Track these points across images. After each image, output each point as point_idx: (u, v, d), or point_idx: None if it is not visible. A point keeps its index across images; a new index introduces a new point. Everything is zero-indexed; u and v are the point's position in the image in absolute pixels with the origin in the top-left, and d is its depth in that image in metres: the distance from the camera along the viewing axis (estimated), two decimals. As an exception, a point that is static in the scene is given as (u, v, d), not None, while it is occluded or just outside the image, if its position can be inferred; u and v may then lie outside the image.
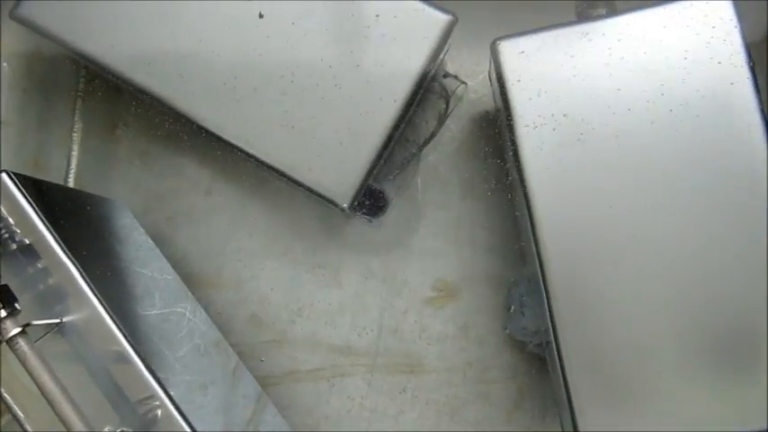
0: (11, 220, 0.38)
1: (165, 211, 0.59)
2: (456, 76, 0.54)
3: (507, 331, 0.55)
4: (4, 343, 0.34)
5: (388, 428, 0.56)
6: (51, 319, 0.37)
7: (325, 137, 0.49)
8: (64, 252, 0.38)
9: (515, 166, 0.44)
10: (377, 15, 0.48)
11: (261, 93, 0.49)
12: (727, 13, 0.43)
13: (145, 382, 0.37)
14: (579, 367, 0.42)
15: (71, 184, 0.59)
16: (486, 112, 0.58)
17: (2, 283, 0.35)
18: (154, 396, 0.37)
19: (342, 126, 0.49)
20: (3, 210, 0.38)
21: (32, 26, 0.50)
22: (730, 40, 0.43)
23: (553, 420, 0.55)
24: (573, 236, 0.43)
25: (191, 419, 0.38)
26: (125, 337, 0.37)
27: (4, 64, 0.59)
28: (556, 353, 0.43)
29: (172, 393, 0.38)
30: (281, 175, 0.50)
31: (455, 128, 0.58)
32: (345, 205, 0.49)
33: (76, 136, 0.60)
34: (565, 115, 0.44)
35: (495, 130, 0.57)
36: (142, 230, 0.52)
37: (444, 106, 0.55)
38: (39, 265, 0.38)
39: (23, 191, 0.39)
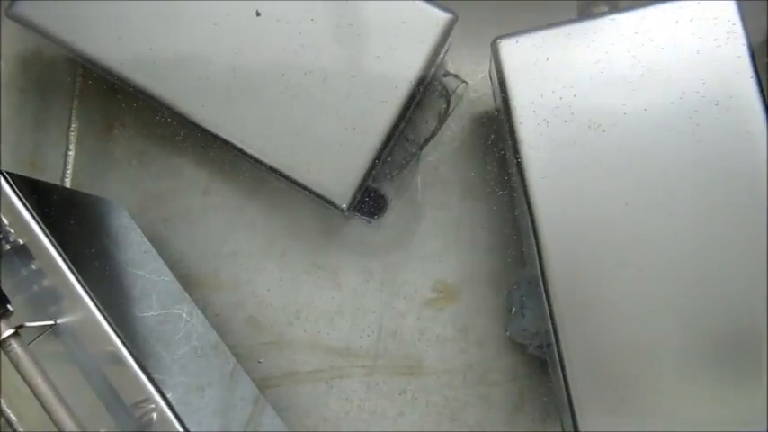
0: (5, 220, 0.38)
1: (163, 211, 0.58)
2: (456, 75, 0.54)
3: (508, 333, 0.55)
4: (-3, 345, 0.33)
5: (388, 430, 0.56)
6: (45, 320, 0.37)
7: (324, 136, 0.48)
8: (58, 253, 0.38)
9: (516, 165, 0.44)
10: (376, 14, 0.48)
11: (259, 92, 0.49)
12: (731, 13, 0.43)
13: (140, 384, 0.37)
14: (580, 369, 0.42)
15: (68, 184, 0.59)
16: (487, 111, 0.58)
17: (-5, 285, 0.35)
18: (149, 399, 0.36)
19: (340, 125, 0.48)
20: (-3, 210, 0.38)
21: (28, 25, 0.50)
22: (733, 40, 0.42)
23: (554, 423, 0.55)
24: (574, 236, 0.43)
25: (188, 422, 0.37)
26: (120, 338, 0.37)
27: (2, 63, 0.59)
28: (557, 355, 0.42)
29: (168, 395, 0.37)
30: (280, 175, 0.49)
31: (455, 127, 0.58)
32: (344, 206, 0.49)
33: (73, 136, 0.59)
34: (566, 114, 0.43)
35: (496, 130, 0.56)
36: (139, 231, 0.52)
37: (444, 105, 0.54)
38: (33, 266, 0.37)
39: (18, 191, 0.38)
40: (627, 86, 0.43)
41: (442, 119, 0.55)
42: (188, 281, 0.56)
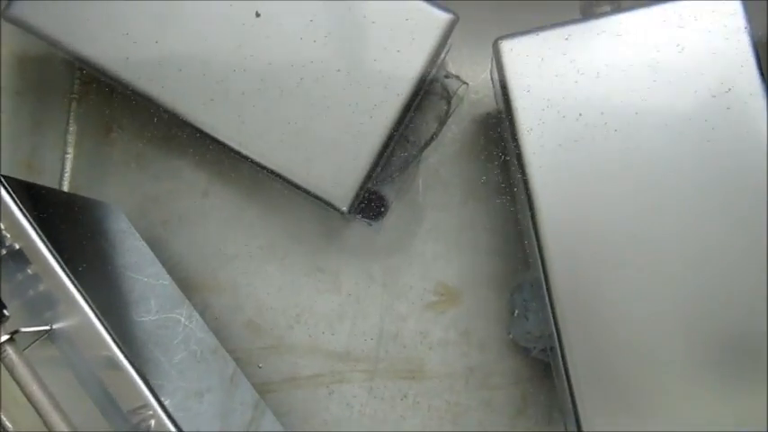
0: (0, 224, 0.37)
1: (161, 214, 0.58)
2: (457, 77, 0.53)
3: (511, 336, 0.55)
4: (-8, 351, 0.33)
5: (389, 435, 0.55)
6: (41, 325, 0.36)
7: (324, 138, 0.48)
8: (54, 257, 0.37)
9: (518, 167, 0.44)
10: (376, 15, 0.48)
11: (258, 94, 0.49)
12: (735, 12, 0.42)
13: (137, 390, 0.36)
14: (583, 371, 0.41)
15: (65, 187, 0.58)
16: (488, 113, 0.58)
17: (-10, 290, 0.35)
18: (147, 405, 0.36)
19: (341, 127, 0.48)
20: (-8, 214, 0.37)
21: (25, 26, 0.50)
22: (737, 39, 0.42)
23: (557, 426, 0.54)
24: (576, 238, 0.42)
25: (187, 428, 0.37)
26: (116, 344, 0.37)
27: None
28: (560, 357, 0.42)
29: (167, 401, 0.37)
30: (279, 177, 0.49)
31: (456, 129, 0.58)
32: (345, 208, 0.48)
33: (71, 138, 0.59)
34: (568, 115, 0.43)
35: (498, 131, 0.56)
36: (137, 234, 0.52)
37: (445, 107, 0.54)
38: (29, 271, 0.37)
39: (13, 195, 0.38)
40: (630, 87, 0.43)
41: (442, 120, 0.54)
42: (187, 284, 0.56)
